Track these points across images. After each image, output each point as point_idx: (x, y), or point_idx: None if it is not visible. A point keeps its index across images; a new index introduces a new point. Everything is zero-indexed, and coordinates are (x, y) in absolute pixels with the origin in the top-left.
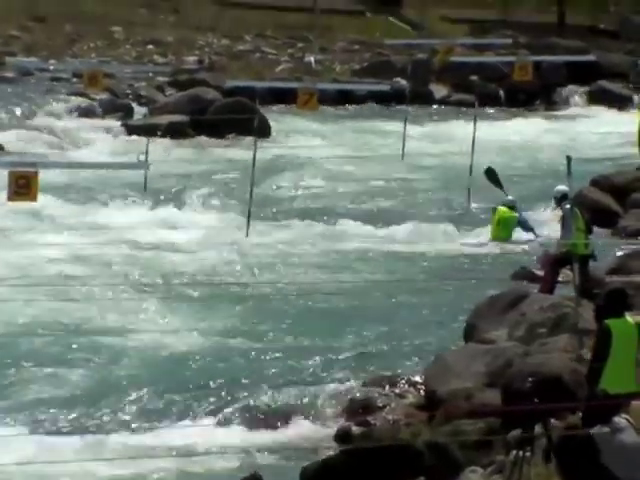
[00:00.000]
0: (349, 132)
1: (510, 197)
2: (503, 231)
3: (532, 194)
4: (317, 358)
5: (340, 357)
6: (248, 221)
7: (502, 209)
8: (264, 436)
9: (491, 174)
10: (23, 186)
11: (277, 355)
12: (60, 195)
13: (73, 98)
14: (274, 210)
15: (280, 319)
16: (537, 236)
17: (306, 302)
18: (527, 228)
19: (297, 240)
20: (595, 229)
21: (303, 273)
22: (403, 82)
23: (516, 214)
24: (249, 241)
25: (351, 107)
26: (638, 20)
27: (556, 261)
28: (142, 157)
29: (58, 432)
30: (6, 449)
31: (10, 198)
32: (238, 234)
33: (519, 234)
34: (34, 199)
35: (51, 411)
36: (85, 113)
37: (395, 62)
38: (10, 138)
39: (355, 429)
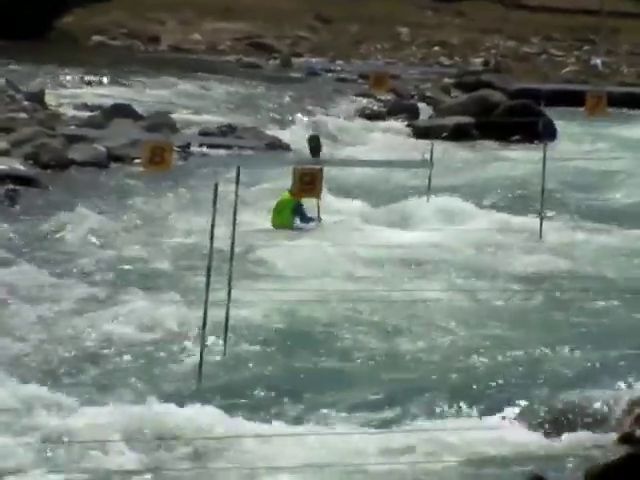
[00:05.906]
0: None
1: None
2: (279, 217)
3: None
4: (593, 360)
5: (619, 358)
6: (541, 223)
7: (285, 194)
8: (543, 438)
9: (314, 141)
10: (309, 182)
11: (553, 356)
12: (345, 193)
13: (359, 99)
14: (564, 214)
15: (567, 320)
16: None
17: (590, 300)
18: (305, 218)
19: (593, 244)
20: None
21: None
22: None
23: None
24: (543, 243)
25: (638, 111)
26: None
27: None
28: (427, 156)
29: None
30: None
31: (295, 194)
32: (531, 236)
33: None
34: (318, 196)
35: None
36: (371, 114)
37: None
38: (296, 137)
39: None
